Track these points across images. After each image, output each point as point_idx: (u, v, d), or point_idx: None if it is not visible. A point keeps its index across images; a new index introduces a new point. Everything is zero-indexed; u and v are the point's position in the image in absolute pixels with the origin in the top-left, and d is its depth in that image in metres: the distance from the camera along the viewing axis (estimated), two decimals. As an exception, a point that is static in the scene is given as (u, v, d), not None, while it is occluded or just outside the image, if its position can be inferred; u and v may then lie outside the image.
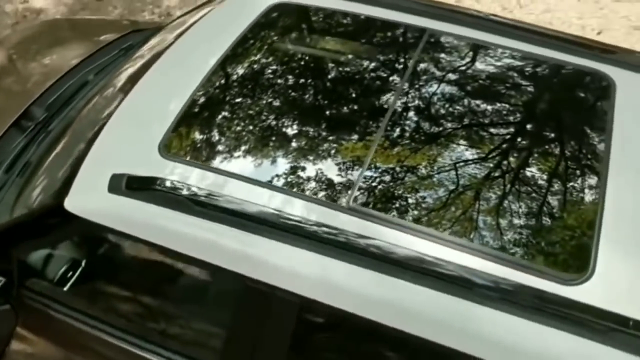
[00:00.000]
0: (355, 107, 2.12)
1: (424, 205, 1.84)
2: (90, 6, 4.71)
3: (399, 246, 1.71)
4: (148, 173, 1.92)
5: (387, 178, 1.90)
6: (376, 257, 1.71)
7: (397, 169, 1.92)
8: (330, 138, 2.03)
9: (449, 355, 1.66)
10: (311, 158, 1.97)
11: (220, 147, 2.02)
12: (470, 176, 1.90)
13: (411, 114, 2.08)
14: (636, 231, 1.77)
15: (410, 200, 1.85)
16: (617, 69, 2.19)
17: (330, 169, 1.93)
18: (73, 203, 1.97)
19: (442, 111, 2.09)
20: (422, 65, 2.23)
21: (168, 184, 1.87)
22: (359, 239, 1.73)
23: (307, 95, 2.19)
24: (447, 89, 2.16)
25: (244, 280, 1.80)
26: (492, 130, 2.05)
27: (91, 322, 2.11)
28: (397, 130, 2.03)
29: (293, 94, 2.19)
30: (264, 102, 2.15)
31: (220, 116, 2.12)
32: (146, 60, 2.41)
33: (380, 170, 1.92)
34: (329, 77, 2.27)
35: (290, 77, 2.25)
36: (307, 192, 1.87)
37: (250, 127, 2.07)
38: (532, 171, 1.93)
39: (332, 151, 1.98)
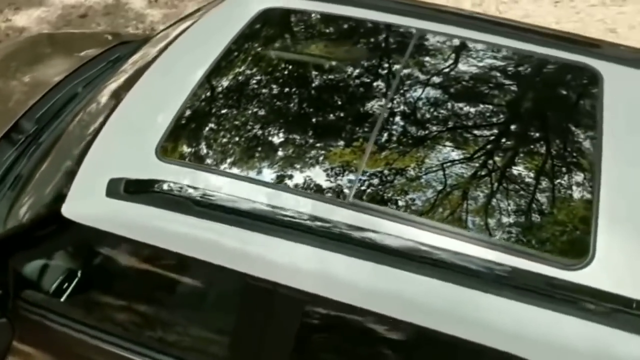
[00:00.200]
0: (351, 106, 2.14)
1: (424, 198, 1.85)
2: (73, 23, 4.70)
3: (402, 238, 1.72)
4: (146, 176, 1.91)
5: (387, 172, 1.91)
6: (378, 249, 1.71)
7: (396, 163, 1.94)
8: (327, 136, 2.04)
9: (456, 344, 1.67)
10: (308, 156, 1.98)
11: (218, 149, 2.02)
12: (469, 167, 1.93)
13: (407, 110, 2.10)
14: (632, 215, 1.81)
15: (411, 193, 1.87)
16: (603, 62, 2.24)
17: (328, 166, 1.95)
18: (70, 209, 1.95)
19: (439, 105, 2.12)
20: (415, 64, 2.27)
21: (167, 185, 1.87)
22: (361, 232, 1.74)
23: (301, 97, 2.21)
24: (442, 85, 2.20)
25: (250, 280, 1.79)
26: (488, 122, 2.09)
27: (95, 333, 2.08)
28: (394, 126, 2.05)
29: (287, 95, 2.20)
30: (258, 104, 2.16)
31: (216, 119, 2.12)
32: (138, 68, 2.41)
33: (379, 165, 1.93)
34: (322, 78, 2.28)
35: (282, 78, 2.27)
36: (308, 190, 1.87)
37: (248, 129, 2.08)
38: (528, 162, 1.96)
39: (330, 149, 2.00)
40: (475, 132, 2.05)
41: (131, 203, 1.88)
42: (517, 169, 1.93)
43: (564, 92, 2.24)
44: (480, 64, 2.29)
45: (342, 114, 2.12)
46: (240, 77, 2.26)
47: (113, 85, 2.45)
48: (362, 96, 2.17)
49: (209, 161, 1.98)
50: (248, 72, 2.28)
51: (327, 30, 2.49)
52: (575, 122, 2.10)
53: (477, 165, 1.94)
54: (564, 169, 1.95)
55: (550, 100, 2.20)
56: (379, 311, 1.71)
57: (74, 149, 2.16)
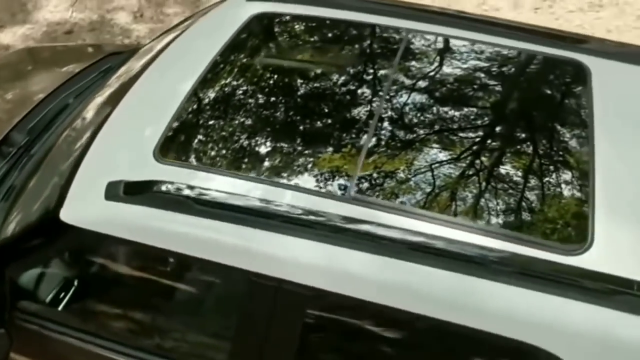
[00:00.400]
0: (346, 105, 2.17)
1: (428, 191, 1.88)
2: (59, 40, 4.68)
3: (407, 230, 1.74)
4: (145, 178, 1.91)
5: (386, 167, 1.93)
6: (383, 241, 1.72)
7: (395, 158, 1.96)
8: (324, 134, 2.07)
9: (465, 334, 1.68)
10: (305, 154, 2.00)
11: (218, 149, 2.04)
12: (472, 160, 1.97)
13: (402, 107, 2.14)
14: (627, 200, 1.85)
15: (413, 186, 1.89)
16: (590, 57, 2.30)
17: (327, 163, 1.96)
18: (69, 214, 1.93)
19: (435, 100, 2.17)
20: (409, 62, 2.31)
21: (167, 185, 1.86)
22: (363, 224, 1.75)
23: (296, 97, 2.23)
24: (437, 81, 2.25)
25: (254, 277, 1.79)
26: (488, 116, 2.16)
27: (101, 342, 2.04)
28: (391, 123, 2.08)
29: (283, 96, 2.23)
30: (254, 105, 2.18)
31: (213, 120, 2.14)
32: (133, 75, 2.41)
33: (378, 160, 1.95)
34: (316, 78, 2.31)
35: (278, 79, 2.30)
36: (309, 186, 1.88)
37: (246, 129, 2.09)
38: (526, 155, 2.02)
39: (326, 147, 2.02)
40: (476, 124, 2.11)
41: (131, 205, 1.87)
42: (516, 162, 1.98)
43: (556, 86, 2.31)
44: (477, 61, 2.33)
45: (338, 114, 2.15)
46: (235, 80, 2.28)
47: (108, 91, 2.45)
48: (357, 95, 2.20)
49: (209, 161, 1.98)
50: (243, 74, 2.30)
51: (319, 34, 2.53)
52: (568, 114, 2.16)
53: (479, 158, 1.98)
54: (560, 161, 1.99)
55: (543, 94, 2.26)
56: (388, 304, 1.71)
57: (70, 155, 2.15)
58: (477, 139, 2.05)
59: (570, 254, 1.71)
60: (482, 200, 1.87)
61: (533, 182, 1.92)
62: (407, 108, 2.13)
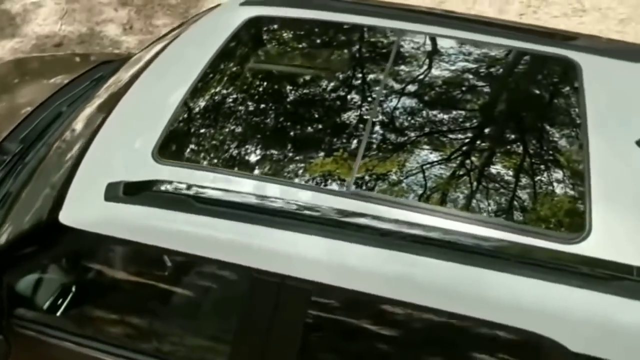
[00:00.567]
0: (343, 105, 2.19)
1: (428, 183, 1.90)
2: (48, 52, 4.68)
3: (409, 223, 1.75)
4: (144, 178, 1.91)
5: (386, 161, 1.96)
6: (384, 234, 1.74)
7: (395, 153, 1.99)
8: (321, 132, 2.09)
9: (468, 324, 1.69)
10: (304, 152, 2.02)
11: (217, 149, 2.04)
12: (471, 154, 2.01)
13: (398, 104, 2.17)
14: (621, 190, 1.89)
15: (415, 180, 1.91)
16: (581, 53, 2.35)
17: (326, 160, 1.98)
18: (69, 216, 1.93)
19: (431, 97, 2.21)
20: (404, 62, 2.34)
21: (167, 185, 1.87)
22: (364, 218, 1.76)
23: (294, 97, 2.25)
24: (433, 78, 2.29)
25: (257, 274, 1.79)
26: (486, 112, 2.20)
27: (103, 347, 2.03)
28: (388, 119, 2.11)
29: (281, 97, 2.24)
30: (252, 106, 2.19)
31: (211, 120, 2.15)
32: (128, 79, 2.42)
33: (376, 156, 1.97)
34: (312, 79, 2.33)
35: (276, 80, 2.32)
36: (310, 182, 1.90)
37: (244, 129, 2.11)
38: (523, 150, 2.06)
39: (322, 144, 2.04)
40: (478, 118, 2.16)
41: (131, 205, 1.87)
42: (513, 155, 2.03)
43: (548, 83, 2.36)
44: (471, 60, 2.37)
45: (334, 114, 2.17)
46: (232, 81, 2.29)
47: (103, 96, 2.45)
48: (353, 97, 2.23)
49: (208, 161, 1.99)
50: (239, 76, 2.32)
51: (314, 37, 2.55)
52: (561, 109, 2.20)
53: (479, 151, 2.03)
54: (556, 154, 2.03)
55: (536, 90, 2.31)
56: (391, 297, 1.72)
57: (68, 159, 2.14)
58: (477, 132, 2.09)
59: (569, 242, 1.73)
60: (481, 191, 1.90)
61: (531, 174, 1.95)
62: (404, 105, 2.16)
